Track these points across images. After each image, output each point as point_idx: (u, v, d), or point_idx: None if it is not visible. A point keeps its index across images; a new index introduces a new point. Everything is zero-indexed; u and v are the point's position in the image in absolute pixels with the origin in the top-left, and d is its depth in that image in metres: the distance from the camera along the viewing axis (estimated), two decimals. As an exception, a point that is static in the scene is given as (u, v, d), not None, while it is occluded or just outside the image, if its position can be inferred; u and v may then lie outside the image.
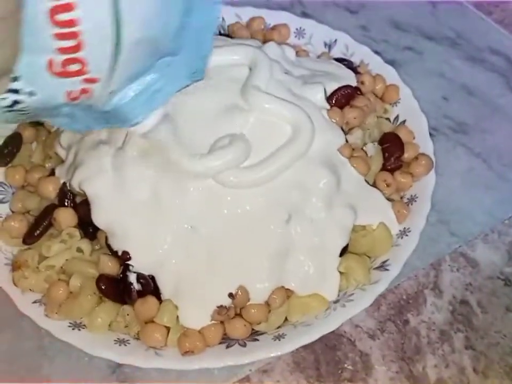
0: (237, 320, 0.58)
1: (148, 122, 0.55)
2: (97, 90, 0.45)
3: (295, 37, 0.83)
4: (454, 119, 0.84)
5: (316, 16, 0.95)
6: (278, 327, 0.59)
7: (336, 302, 0.60)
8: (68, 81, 0.43)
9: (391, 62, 0.86)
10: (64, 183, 0.63)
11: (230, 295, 0.57)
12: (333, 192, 0.61)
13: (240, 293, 0.57)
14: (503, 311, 0.67)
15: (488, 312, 0.66)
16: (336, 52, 0.81)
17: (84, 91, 0.44)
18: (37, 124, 0.72)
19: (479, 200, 0.75)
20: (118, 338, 0.58)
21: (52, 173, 0.66)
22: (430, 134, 0.74)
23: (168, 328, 0.57)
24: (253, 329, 0.59)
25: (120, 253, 0.57)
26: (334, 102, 0.67)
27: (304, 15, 0.97)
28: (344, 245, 0.61)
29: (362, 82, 0.73)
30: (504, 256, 0.71)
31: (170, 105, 0.59)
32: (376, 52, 0.86)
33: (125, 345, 0.57)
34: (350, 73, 0.72)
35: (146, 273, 0.57)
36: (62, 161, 0.65)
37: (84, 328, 0.58)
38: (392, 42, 0.94)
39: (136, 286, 0.57)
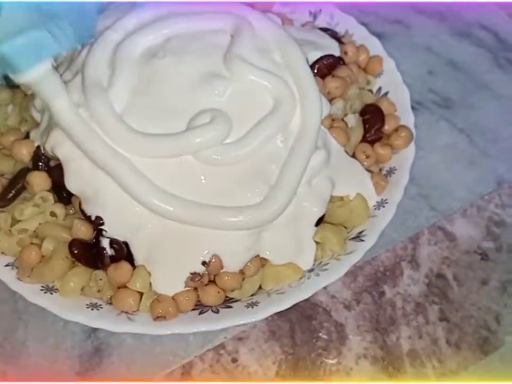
0: (211, 287, 0.58)
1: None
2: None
3: (280, 5, 0.81)
4: (438, 93, 0.84)
5: None
6: (252, 295, 0.60)
7: (310, 271, 0.60)
8: None
9: (378, 35, 0.85)
10: (39, 147, 0.62)
11: (204, 263, 0.56)
12: (321, 167, 0.60)
13: (214, 261, 0.56)
14: (478, 285, 0.67)
15: (463, 286, 0.67)
16: (321, 22, 0.80)
17: None
18: (13, 86, 0.71)
19: (460, 175, 0.75)
20: (90, 303, 0.58)
21: (27, 136, 0.65)
22: (414, 108, 0.73)
23: (141, 294, 0.57)
24: (226, 296, 0.59)
25: (93, 218, 0.57)
26: (316, 71, 0.66)
27: None
28: (321, 215, 0.61)
29: (345, 53, 0.72)
30: (482, 231, 0.71)
31: (147, 71, 0.59)
32: (364, 24, 0.85)
33: (97, 309, 0.57)
34: (334, 43, 0.71)
35: (120, 238, 0.57)
36: (37, 125, 0.64)
37: (56, 292, 0.58)
38: (381, 15, 0.93)
39: (109, 251, 0.57)
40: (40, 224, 0.59)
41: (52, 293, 0.58)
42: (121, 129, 0.56)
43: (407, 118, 0.70)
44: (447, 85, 0.85)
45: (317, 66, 0.67)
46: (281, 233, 0.58)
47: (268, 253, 0.59)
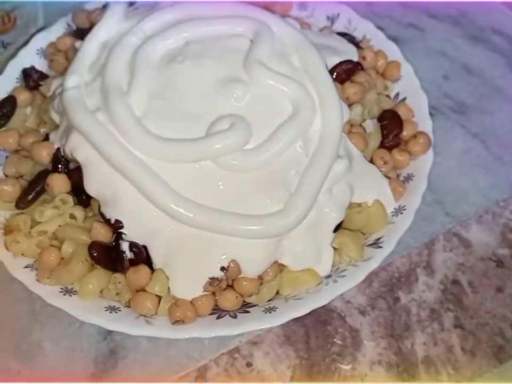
0: (229, 291, 0.58)
1: None
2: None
3: (298, 9, 0.82)
4: (453, 98, 0.84)
5: None
6: (269, 300, 0.60)
7: (328, 277, 0.60)
8: None
9: (393, 39, 0.85)
10: (58, 149, 0.62)
11: (223, 268, 0.56)
12: (342, 175, 0.61)
13: (232, 266, 0.56)
14: (493, 292, 0.67)
15: (478, 293, 0.67)
16: (339, 26, 0.80)
17: None
18: (33, 88, 0.72)
19: (475, 181, 0.75)
20: (108, 306, 0.58)
21: (46, 138, 0.65)
22: (430, 113, 0.73)
23: (159, 297, 0.58)
24: (244, 301, 0.59)
25: (113, 221, 0.57)
26: (334, 76, 0.66)
27: None
28: (339, 221, 0.61)
29: (364, 58, 0.72)
30: (497, 237, 0.71)
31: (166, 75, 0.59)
32: (379, 28, 0.85)
33: (116, 312, 0.57)
34: (352, 48, 0.71)
35: (139, 242, 0.57)
36: (57, 126, 0.65)
37: (75, 294, 0.58)
38: (395, 19, 0.93)
39: (129, 255, 0.57)
40: (59, 226, 0.60)
41: (70, 295, 0.58)
42: (140, 133, 0.56)
43: (425, 124, 0.70)
44: (461, 90, 0.85)
45: (336, 71, 0.67)
46: (301, 240, 0.58)
47: (286, 259, 0.59)
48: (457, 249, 0.70)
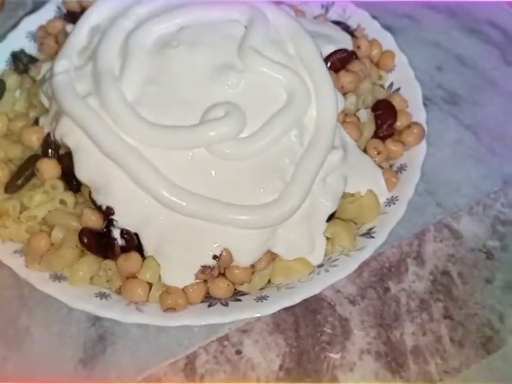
0: (220, 279, 0.58)
1: None
2: None
3: (293, -5, 0.81)
4: (446, 89, 0.84)
5: None
6: (261, 289, 0.60)
7: (320, 266, 0.61)
8: None
9: (388, 28, 0.85)
10: (48, 134, 0.62)
11: (215, 256, 0.56)
12: (337, 165, 0.61)
13: (224, 254, 0.56)
14: (483, 283, 0.67)
15: (468, 284, 0.67)
16: (333, 15, 0.80)
17: None
18: (22, 71, 0.71)
19: (466, 172, 0.75)
20: (99, 292, 0.58)
21: (36, 122, 0.65)
22: (423, 104, 0.73)
23: (150, 284, 0.57)
24: (236, 289, 0.59)
25: (104, 208, 0.57)
26: (329, 65, 0.66)
27: None
28: (333, 211, 0.61)
29: (358, 47, 0.72)
30: (488, 229, 0.71)
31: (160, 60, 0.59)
32: (374, 17, 0.85)
33: (106, 299, 0.57)
34: (346, 36, 0.72)
35: (130, 229, 0.57)
36: (47, 111, 0.64)
37: (64, 280, 0.58)
38: (391, 8, 0.92)
39: (120, 241, 0.57)
40: (49, 211, 0.59)
41: (60, 281, 0.58)
42: (132, 119, 0.55)
43: (419, 115, 0.70)
44: (454, 81, 0.85)
45: (330, 60, 0.67)
46: (294, 229, 0.58)
47: (279, 248, 0.59)
48: (447, 240, 0.70)
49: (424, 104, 0.74)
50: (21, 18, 0.83)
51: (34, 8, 0.83)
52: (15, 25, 0.79)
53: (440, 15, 0.93)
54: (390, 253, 0.69)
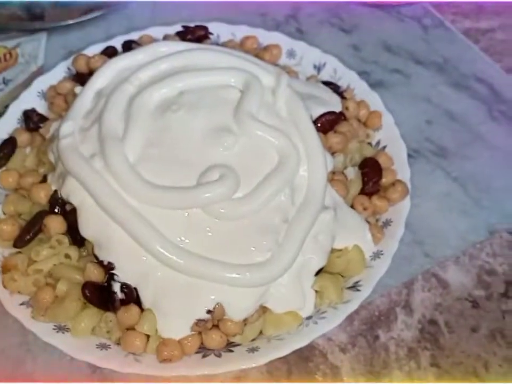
0: (214, 331, 0.60)
1: None
2: None
3: (286, 57, 0.85)
4: (435, 142, 0.86)
5: (310, 34, 0.99)
6: (253, 339, 0.62)
7: (309, 318, 0.63)
8: None
9: (378, 83, 0.91)
10: (56, 191, 0.65)
11: (209, 311, 0.59)
12: (328, 225, 0.63)
13: (218, 308, 0.59)
14: (468, 332, 0.69)
15: (454, 332, 0.69)
16: (325, 75, 0.83)
17: None
18: (32, 130, 0.75)
19: (453, 223, 0.77)
20: (99, 343, 0.60)
21: (45, 178, 0.68)
22: (411, 156, 0.76)
23: (148, 336, 0.60)
24: (228, 340, 0.62)
25: (105, 263, 0.60)
26: (319, 126, 0.70)
27: (299, 31, 1.00)
28: (322, 266, 0.63)
29: (347, 108, 0.75)
30: (473, 278, 0.73)
31: (161, 123, 0.63)
32: (365, 72, 0.90)
33: (106, 349, 0.60)
34: (336, 98, 0.75)
35: (130, 283, 0.60)
36: (54, 168, 0.67)
37: (68, 331, 0.61)
38: (381, 64, 0.96)
39: (120, 295, 0.59)
40: (54, 265, 0.62)
41: (63, 332, 0.60)
42: (133, 180, 0.59)
43: (404, 172, 0.73)
44: (443, 135, 0.87)
45: (320, 122, 0.70)
46: (286, 285, 0.61)
47: (271, 303, 0.61)
48: (435, 290, 0.72)
49: (413, 157, 0.76)
50: (32, 74, 0.88)
51: (46, 64, 0.89)
52: (26, 81, 0.84)
53: (429, 70, 0.95)
54: (380, 301, 0.70)
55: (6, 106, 0.79)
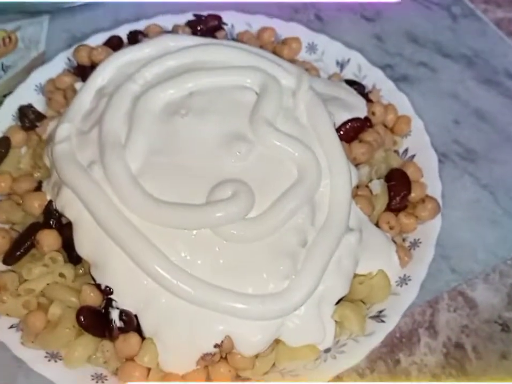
0: (222, 364, 0.55)
1: None
2: None
3: (306, 52, 0.80)
4: (463, 145, 0.82)
5: (330, 22, 0.94)
6: (265, 373, 0.57)
7: (327, 351, 0.58)
8: None
9: (403, 78, 0.87)
10: (50, 201, 0.60)
11: (216, 345, 0.54)
12: (352, 249, 0.58)
13: (226, 341, 0.54)
14: (497, 358, 0.65)
15: (482, 359, 0.65)
16: (348, 72, 0.78)
17: None
18: (28, 128, 0.70)
19: (482, 235, 0.73)
20: (95, 374, 0.56)
21: (40, 185, 0.63)
22: (438, 160, 0.71)
23: (149, 368, 0.55)
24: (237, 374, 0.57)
25: (103, 287, 0.55)
26: (342, 134, 0.64)
27: (318, 18, 0.95)
28: (344, 294, 0.58)
29: (373, 113, 0.70)
30: (503, 299, 0.69)
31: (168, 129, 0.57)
32: (388, 66, 0.86)
33: (102, 382, 0.55)
34: (361, 101, 0.69)
35: (130, 310, 0.55)
36: (50, 174, 0.62)
37: (61, 359, 0.56)
38: (406, 56, 0.92)
39: (118, 323, 0.54)
40: (48, 284, 0.58)
41: (55, 361, 0.56)
42: (135, 194, 0.54)
43: (434, 186, 0.68)
44: (472, 136, 0.82)
45: (343, 130, 0.65)
46: (302, 317, 0.55)
47: (287, 337, 0.56)
48: (461, 310, 0.68)
49: (440, 161, 0.71)
50: (33, 60, 0.84)
51: (47, 49, 0.85)
52: (26, 68, 0.80)
53: (457, 64, 0.91)
54: (402, 322, 0.65)
55: (5, 95, 0.74)
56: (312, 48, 0.80)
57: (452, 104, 0.86)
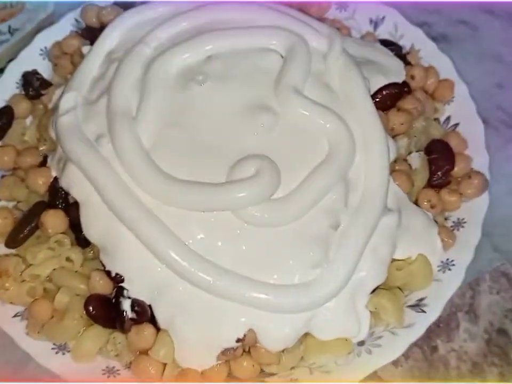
0: (245, 358, 0.52)
1: None
2: None
3: (337, 9, 0.75)
4: (507, 111, 0.77)
5: None
6: (292, 368, 0.54)
7: (361, 344, 0.54)
8: None
9: (441, 37, 0.82)
10: (56, 178, 0.57)
11: (238, 340, 0.50)
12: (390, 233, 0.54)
13: (249, 333, 0.50)
14: (545, 346, 0.61)
15: (528, 346, 0.61)
16: (383, 32, 0.73)
17: None
18: (33, 97, 0.66)
19: (527, 210, 0.69)
20: (106, 367, 0.53)
21: (45, 160, 0.60)
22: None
23: (164, 363, 0.52)
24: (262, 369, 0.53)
25: (113, 274, 0.51)
26: (378, 101, 0.59)
27: None
28: (380, 283, 0.54)
29: (412, 77, 0.65)
30: (553, 279, 0.65)
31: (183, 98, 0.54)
32: (425, 24, 0.81)
33: (114, 376, 0.52)
34: (399, 64, 0.65)
35: (143, 299, 0.51)
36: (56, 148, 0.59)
37: (69, 351, 0.53)
38: (445, 14, 0.86)
39: (130, 314, 0.51)
40: (54, 269, 0.54)
41: (63, 353, 0.53)
42: (148, 171, 0.50)
43: (481, 159, 0.63)
44: (517, 102, 0.78)
45: (380, 97, 0.60)
46: (333, 309, 0.51)
47: (317, 330, 0.52)
48: (505, 292, 0.65)
49: None
50: (40, 22, 0.80)
51: (56, 10, 0.80)
52: (34, 31, 0.75)
53: (500, 22, 0.86)
54: (440, 305, 0.63)
55: (10, 61, 0.71)
56: (342, 6, 0.75)
57: (495, 67, 0.82)
